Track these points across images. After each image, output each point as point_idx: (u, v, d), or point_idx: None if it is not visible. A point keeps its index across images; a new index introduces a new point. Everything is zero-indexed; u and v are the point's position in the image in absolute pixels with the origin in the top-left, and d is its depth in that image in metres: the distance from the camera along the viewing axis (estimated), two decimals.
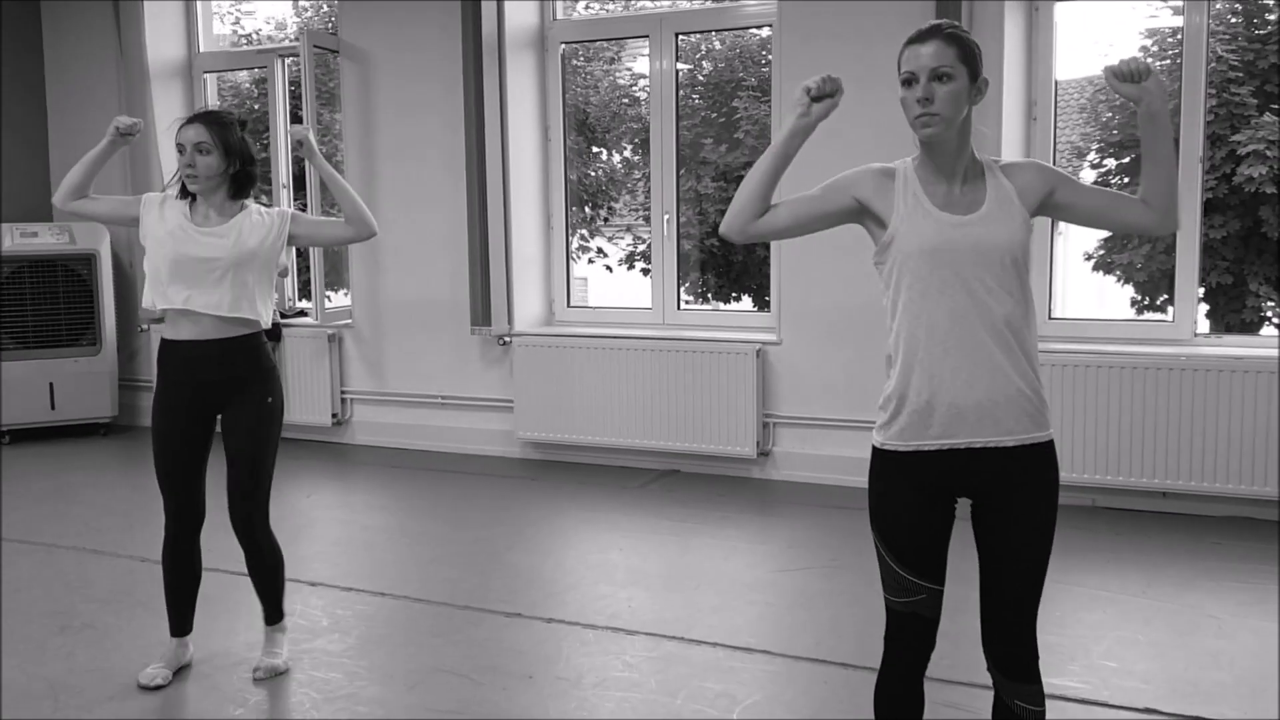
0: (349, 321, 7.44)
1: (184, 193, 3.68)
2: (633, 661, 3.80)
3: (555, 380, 6.67)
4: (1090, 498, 5.60)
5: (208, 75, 8.11)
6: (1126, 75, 2.32)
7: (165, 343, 3.64)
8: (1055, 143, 5.90)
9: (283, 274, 7.38)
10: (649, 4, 9.11)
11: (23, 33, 8.13)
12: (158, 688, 3.63)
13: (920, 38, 2.37)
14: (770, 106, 6.56)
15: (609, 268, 10.14)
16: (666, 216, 6.76)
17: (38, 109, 8.25)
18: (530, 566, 4.86)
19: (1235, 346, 5.52)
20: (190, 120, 3.65)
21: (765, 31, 7.64)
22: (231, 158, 3.59)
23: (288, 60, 7.68)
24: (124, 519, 5.65)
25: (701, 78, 9.55)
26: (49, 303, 7.58)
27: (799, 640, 3.95)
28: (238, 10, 10.91)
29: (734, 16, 6.90)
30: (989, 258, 2.34)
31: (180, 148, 3.61)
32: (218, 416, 3.67)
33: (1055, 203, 2.43)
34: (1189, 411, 5.30)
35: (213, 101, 8.21)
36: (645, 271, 10.34)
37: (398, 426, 7.33)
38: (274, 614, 3.83)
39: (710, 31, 8.09)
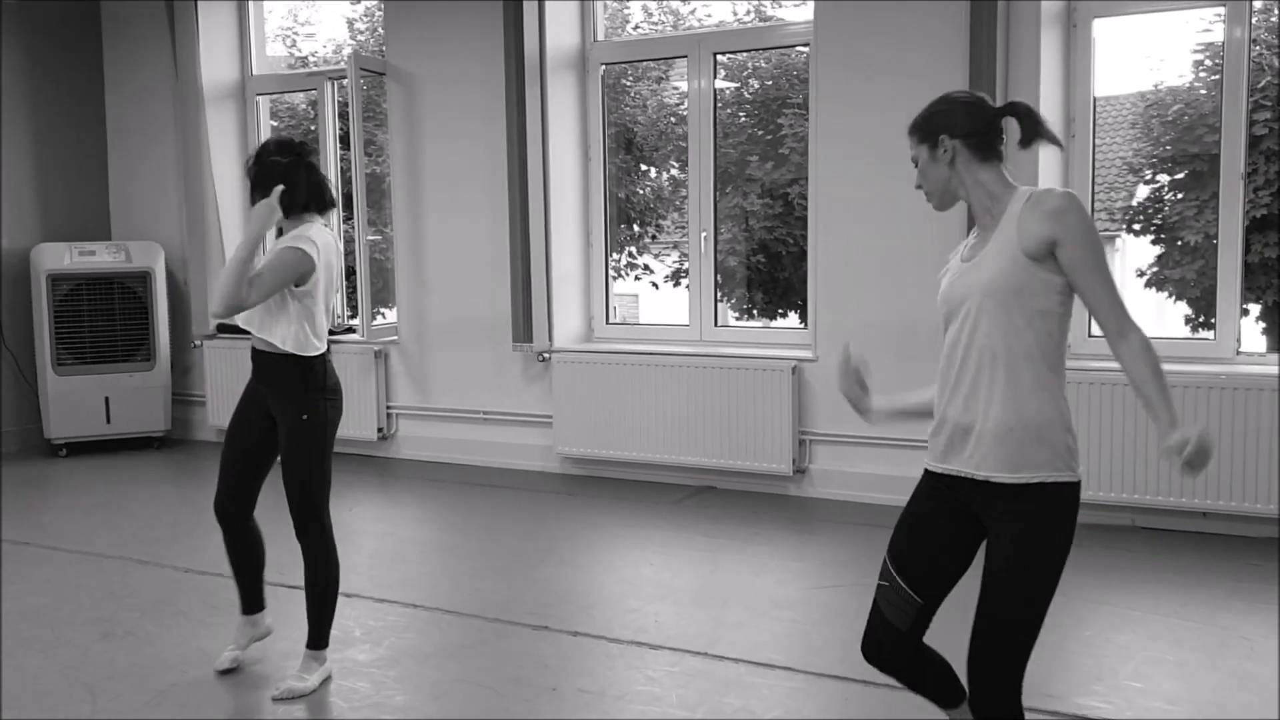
0: (395, 338, 7.56)
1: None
2: (655, 676, 3.84)
3: (593, 396, 6.73)
4: (1129, 517, 5.55)
5: (260, 97, 8.30)
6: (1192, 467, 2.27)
7: None
8: (1094, 160, 5.86)
9: None
10: (694, 23, 9.20)
11: (84, 55, 8.38)
12: (226, 671, 3.86)
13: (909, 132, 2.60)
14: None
15: (655, 284, 10.21)
16: (704, 234, 6.80)
17: (98, 131, 8.49)
18: (561, 580, 4.91)
19: (1277, 365, 5.44)
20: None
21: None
22: (254, 190, 3.74)
23: (337, 83, 7.84)
24: (170, 530, 5.79)
25: (749, 95, 9.59)
26: (105, 319, 7.79)
27: (823, 657, 3.96)
28: (294, 34, 11.18)
29: (772, 36, 6.95)
30: (973, 297, 2.44)
31: None
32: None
33: (1057, 255, 2.38)
34: (1230, 431, 5.23)
35: (265, 123, 8.40)
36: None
37: (441, 441, 7.43)
38: (314, 638, 3.82)
39: (750, 51, 8.12)
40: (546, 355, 6.93)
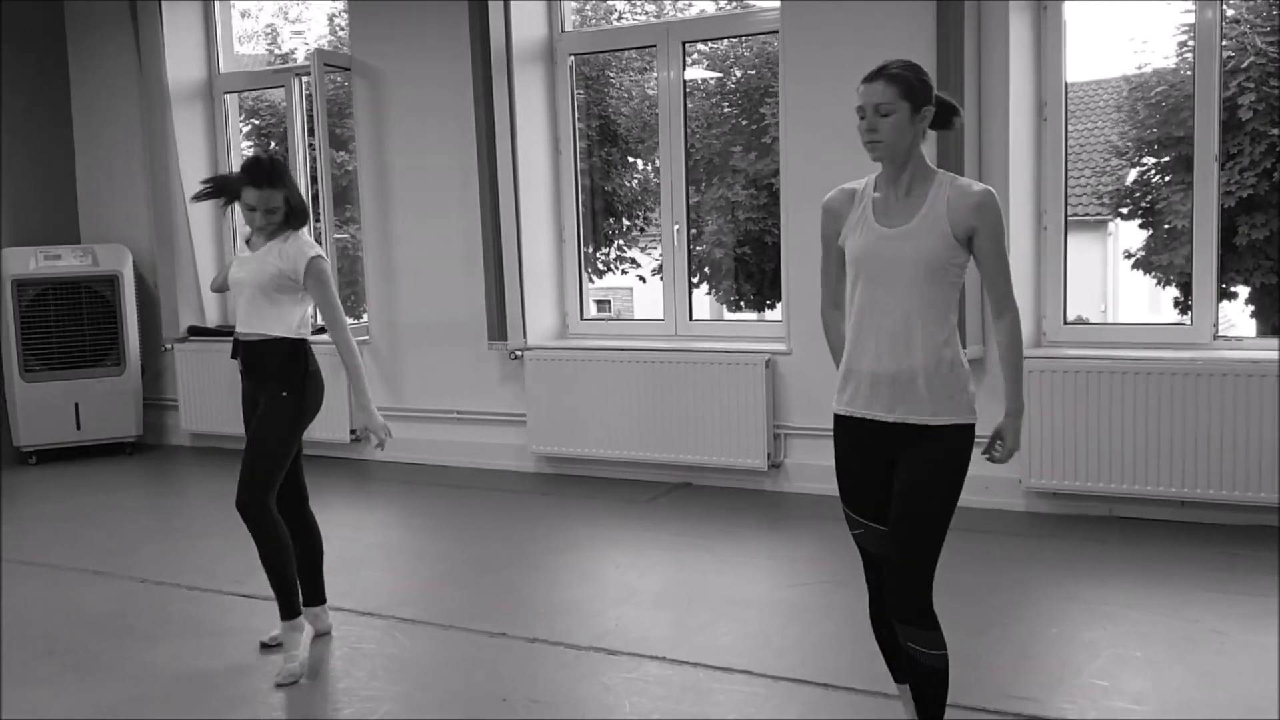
0: (366, 338, 7.45)
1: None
2: (610, 683, 3.73)
3: (567, 394, 6.63)
4: (1107, 507, 5.44)
5: (228, 95, 8.19)
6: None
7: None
8: (1066, 143, 5.74)
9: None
10: (671, 7, 9.06)
11: (48, 56, 8.26)
12: (289, 684, 3.78)
13: (869, 78, 2.79)
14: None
15: (642, 278, 10.09)
16: (676, 227, 6.69)
17: (65, 133, 8.37)
18: (525, 584, 4.81)
19: (1255, 350, 5.33)
20: (257, 184, 3.89)
21: None
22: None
23: (305, 79, 7.72)
24: (132, 539, 5.69)
25: (732, 85, 9.47)
26: (73, 324, 7.69)
27: (783, 660, 3.86)
28: (276, 31, 11.07)
29: (741, 24, 6.83)
30: (906, 266, 2.78)
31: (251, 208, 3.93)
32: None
33: (973, 241, 2.80)
34: (1207, 417, 5.12)
35: (234, 122, 8.28)
36: None
37: (415, 442, 7.31)
38: (282, 608, 3.94)
39: (717, 40, 8.00)
40: (519, 353, 6.82)
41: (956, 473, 2.81)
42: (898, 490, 2.81)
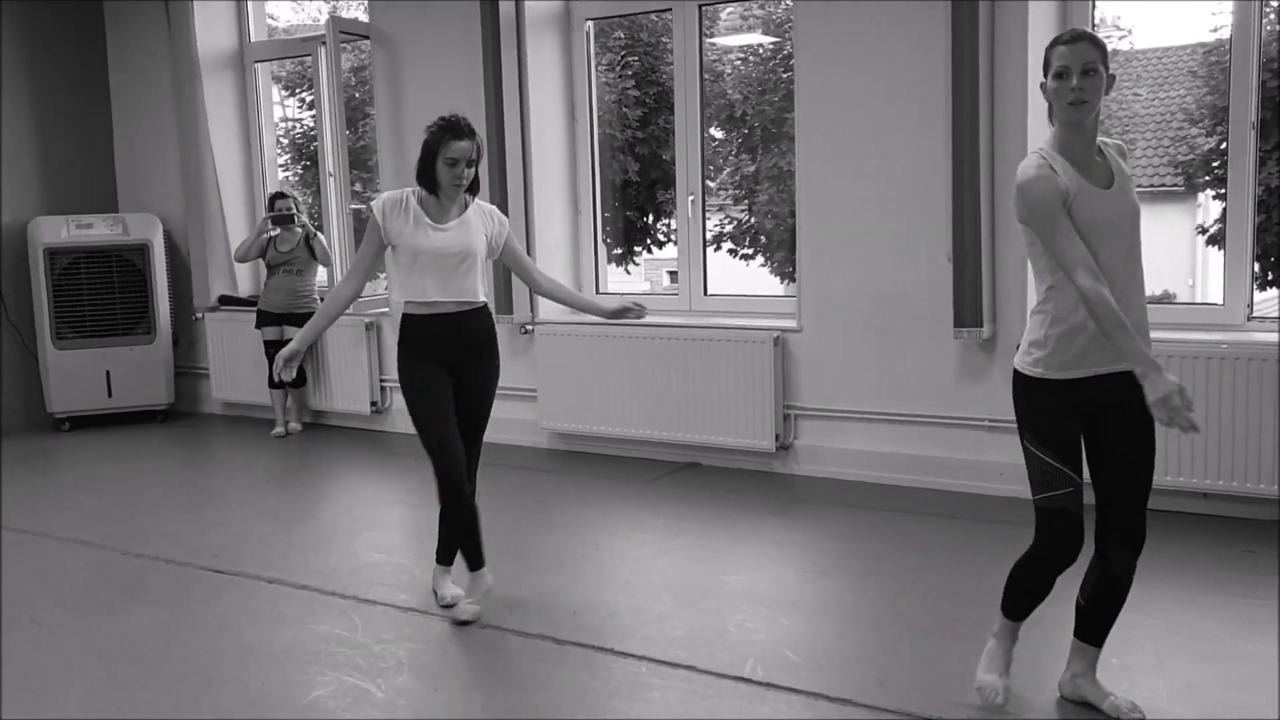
0: (385, 310, 7.39)
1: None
2: (549, 675, 3.59)
3: (577, 370, 6.48)
4: None
5: (258, 65, 8.17)
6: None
7: None
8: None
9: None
10: None
11: (85, 26, 8.32)
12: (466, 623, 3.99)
13: (1071, 40, 2.89)
14: None
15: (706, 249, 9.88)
16: (691, 198, 6.48)
17: (102, 104, 8.44)
18: (500, 568, 4.65)
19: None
20: (461, 135, 3.95)
21: None
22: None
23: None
24: (131, 509, 5.71)
25: (789, 49, 9.18)
26: (104, 292, 7.76)
27: (729, 655, 3.67)
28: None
29: None
30: (1127, 219, 2.96)
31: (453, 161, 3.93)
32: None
33: None
34: (1231, 403, 4.78)
35: (265, 90, 8.26)
36: (732, 253, 10.05)
37: None
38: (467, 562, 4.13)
39: (737, 1, 7.73)
40: (529, 327, 6.68)
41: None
42: (1129, 445, 3.02)
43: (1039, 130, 5.26)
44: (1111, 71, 2.91)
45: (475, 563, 4.12)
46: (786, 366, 5.94)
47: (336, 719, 3.32)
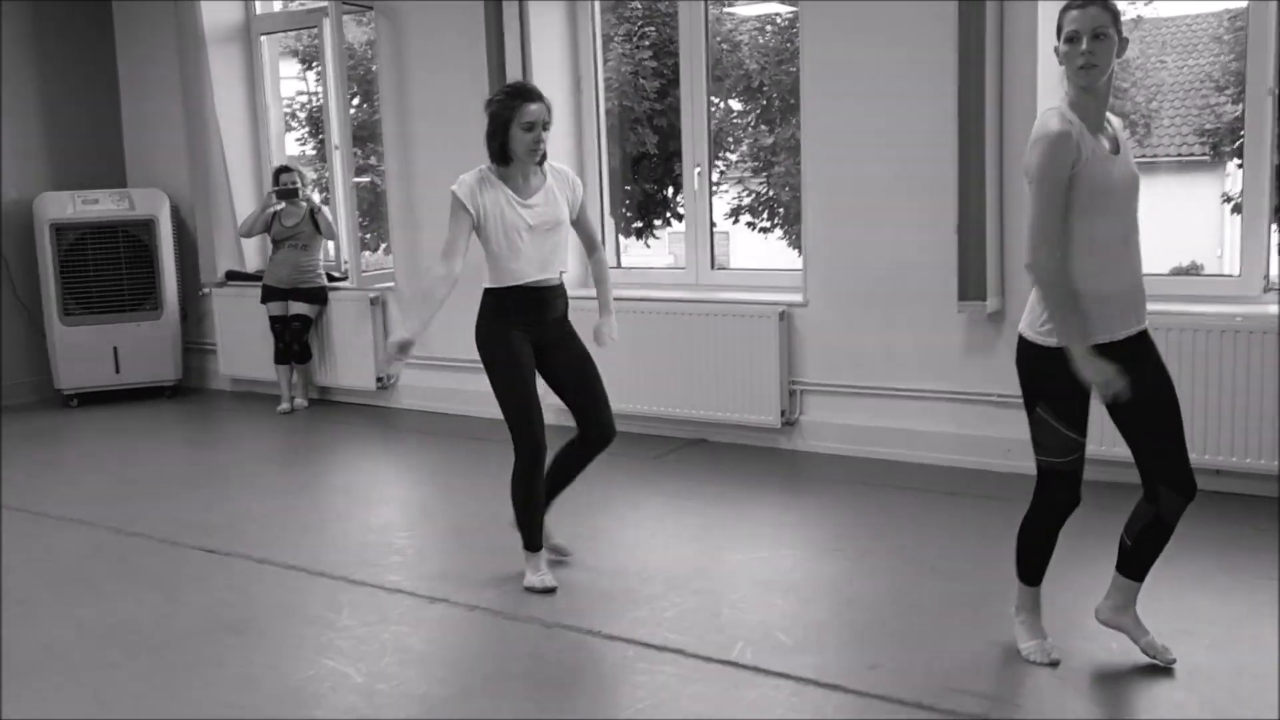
0: (391, 284, 7.32)
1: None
2: (536, 657, 3.52)
3: (585, 343, 6.36)
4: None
5: (264, 37, 8.08)
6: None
7: None
8: None
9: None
10: None
11: (92, 1, 8.24)
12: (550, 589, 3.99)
13: (1082, 4, 2.89)
14: None
15: (713, 222, 9.77)
16: (698, 170, 6.36)
17: (110, 78, 8.39)
18: (493, 548, 4.56)
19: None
20: (533, 98, 3.84)
21: None
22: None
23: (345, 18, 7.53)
24: (129, 487, 5.67)
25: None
26: (111, 268, 7.73)
27: (719, 638, 3.58)
28: None
29: None
30: (1132, 183, 3.02)
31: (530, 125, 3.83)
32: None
33: None
34: (1245, 378, 4.64)
35: (268, 61, 8.18)
36: (750, 226, 9.92)
37: (441, 391, 7.18)
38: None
39: None
40: None
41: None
42: (1155, 392, 3.05)
43: (1048, 101, 5.12)
44: (1125, 35, 2.92)
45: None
46: (792, 341, 5.83)
47: (316, 705, 3.26)
